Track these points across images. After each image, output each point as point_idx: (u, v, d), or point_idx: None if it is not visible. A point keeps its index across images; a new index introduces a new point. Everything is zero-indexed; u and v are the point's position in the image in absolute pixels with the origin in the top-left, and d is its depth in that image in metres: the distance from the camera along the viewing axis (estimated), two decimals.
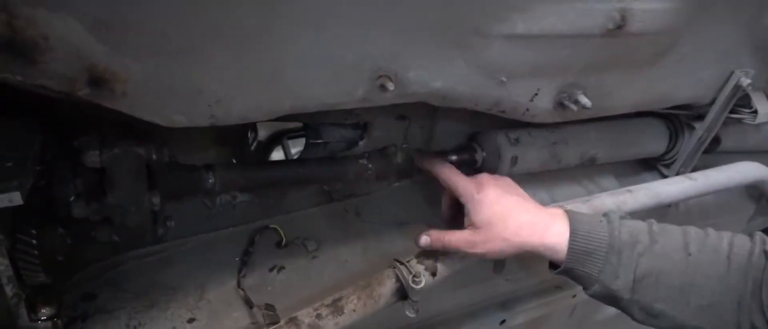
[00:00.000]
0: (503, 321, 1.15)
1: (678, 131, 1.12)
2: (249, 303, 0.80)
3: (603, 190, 1.10)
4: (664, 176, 1.18)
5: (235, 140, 0.92)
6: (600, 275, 0.70)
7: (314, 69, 0.61)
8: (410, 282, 0.80)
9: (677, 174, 1.14)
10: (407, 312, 0.85)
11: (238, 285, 0.84)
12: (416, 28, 0.63)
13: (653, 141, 1.12)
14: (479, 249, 0.76)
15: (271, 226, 0.91)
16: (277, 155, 1.18)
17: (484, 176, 0.80)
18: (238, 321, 0.80)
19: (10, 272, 0.59)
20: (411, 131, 0.98)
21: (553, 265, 0.76)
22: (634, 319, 0.72)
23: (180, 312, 0.80)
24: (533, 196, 1.04)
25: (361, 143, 0.97)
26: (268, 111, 0.62)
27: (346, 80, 0.64)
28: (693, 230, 0.71)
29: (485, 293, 1.08)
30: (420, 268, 0.81)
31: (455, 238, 0.78)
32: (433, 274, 0.82)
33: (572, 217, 0.73)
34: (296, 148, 1.21)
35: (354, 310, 0.79)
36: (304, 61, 0.60)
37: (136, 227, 0.70)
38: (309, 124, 0.94)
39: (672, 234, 0.71)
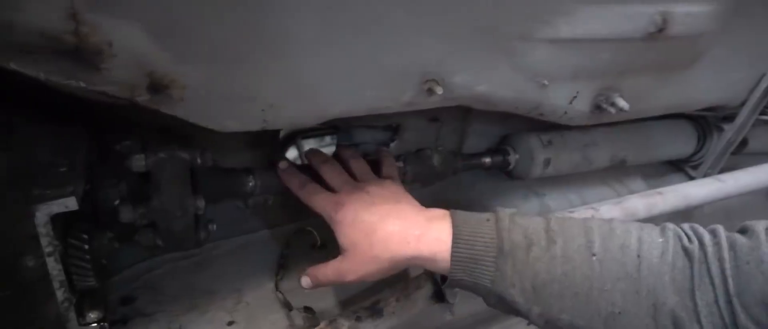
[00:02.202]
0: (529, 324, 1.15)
1: (706, 133, 1.12)
2: (288, 306, 0.80)
3: (631, 192, 1.11)
4: (691, 178, 1.18)
5: (268, 143, 0.92)
6: (493, 285, 0.60)
7: (365, 75, 0.61)
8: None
9: (704, 176, 1.14)
10: (443, 315, 0.86)
11: (276, 287, 0.84)
12: (463, 34, 0.63)
13: (682, 143, 1.12)
14: (351, 277, 0.67)
15: (307, 228, 0.91)
16: (291, 154, 1.18)
17: (344, 191, 0.71)
18: (276, 324, 0.81)
19: (63, 277, 0.60)
20: (443, 133, 0.98)
21: (444, 278, 0.67)
22: None
23: (219, 314, 0.80)
24: (563, 198, 1.05)
25: (392, 145, 0.97)
26: (317, 116, 0.62)
27: (395, 85, 0.64)
28: (597, 226, 0.61)
29: None
30: None
31: (325, 271, 0.69)
32: None
33: (454, 219, 0.63)
34: (309, 145, 1.20)
35: (393, 313, 0.80)
36: (355, 68, 0.60)
37: (181, 231, 0.70)
38: (339, 126, 0.94)
39: (573, 232, 0.60)
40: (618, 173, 1.13)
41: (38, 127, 0.61)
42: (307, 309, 0.80)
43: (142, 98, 0.53)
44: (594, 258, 0.58)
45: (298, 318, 0.80)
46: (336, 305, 0.85)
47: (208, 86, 0.55)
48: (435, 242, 0.62)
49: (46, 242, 0.57)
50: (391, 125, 0.96)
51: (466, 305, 1.00)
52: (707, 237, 0.57)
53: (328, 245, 0.93)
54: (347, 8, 0.55)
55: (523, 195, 1.03)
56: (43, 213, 0.55)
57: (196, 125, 0.59)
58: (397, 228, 0.64)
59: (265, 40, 0.54)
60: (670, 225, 0.60)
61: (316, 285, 0.72)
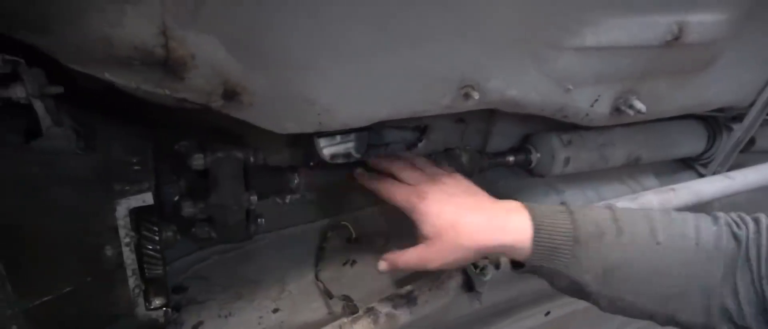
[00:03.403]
0: (548, 313, 1.21)
1: (716, 132, 1.18)
2: (329, 294, 0.86)
3: (644, 188, 1.16)
4: (701, 175, 1.23)
5: (305, 143, 0.98)
6: (567, 270, 0.66)
7: (410, 80, 0.67)
8: (478, 275, 0.86)
9: (714, 173, 1.20)
10: (472, 303, 0.91)
11: (316, 277, 0.90)
12: (499, 43, 0.69)
13: (693, 142, 1.17)
14: (435, 264, 0.71)
15: (342, 223, 0.97)
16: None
17: (423, 184, 0.75)
18: (317, 311, 0.86)
19: (135, 265, 0.65)
20: (468, 133, 1.04)
21: (515, 264, 0.73)
22: (601, 310, 0.70)
23: (265, 302, 0.86)
24: (582, 194, 1.11)
25: (420, 144, 1.03)
26: (367, 118, 0.68)
27: (436, 90, 0.70)
28: (658, 216, 0.68)
29: (533, 285, 1.14)
30: (485, 261, 0.87)
31: (407, 257, 0.74)
32: (497, 267, 0.88)
33: (533, 211, 0.69)
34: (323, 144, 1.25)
35: (426, 301, 0.86)
36: (402, 74, 0.65)
37: (235, 224, 0.76)
38: (370, 127, 1.00)
39: (637, 222, 0.67)
40: (632, 170, 1.19)
41: (112, 128, 0.67)
42: (346, 298, 0.86)
43: (217, 103, 0.59)
44: (658, 246, 0.65)
45: (338, 306, 0.86)
46: (372, 294, 0.90)
47: (273, 92, 0.60)
48: (516, 232, 0.67)
49: (124, 233, 0.63)
50: (419, 126, 1.01)
51: (492, 294, 1.06)
52: (752, 224, 0.66)
53: (361, 239, 0.99)
54: (398, 20, 0.61)
55: (543, 192, 1.08)
56: (123, 207, 0.61)
57: (249, 126, 0.65)
58: (481, 219, 0.69)
59: (324, 49, 0.59)
60: (720, 214, 0.68)
61: (394, 269, 0.78)
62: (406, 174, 0.79)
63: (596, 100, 0.85)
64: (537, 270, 0.69)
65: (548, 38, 0.73)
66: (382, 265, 0.78)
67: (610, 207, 0.70)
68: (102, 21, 0.50)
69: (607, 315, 1.47)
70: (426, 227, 0.71)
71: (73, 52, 0.53)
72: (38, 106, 0.56)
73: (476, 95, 0.70)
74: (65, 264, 0.60)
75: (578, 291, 0.68)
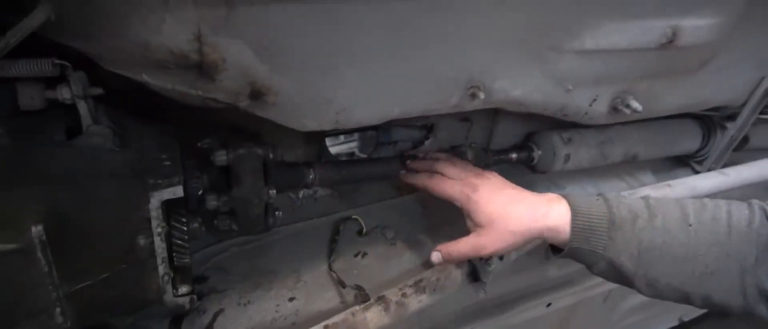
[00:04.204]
0: (549, 304, 1.26)
1: (711, 131, 1.22)
2: (342, 284, 0.91)
3: (642, 184, 1.21)
4: (696, 172, 1.28)
5: (318, 141, 1.03)
6: (605, 252, 0.71)
7: (421, 81, 0.71)
8: (483, 266, 0.91)
9: (709, 170, 1.24)
10: (477, 293, 0.96)
11: (330, 268, 0.94)
12: (505, 46, 0.74)
13: (688, 140, 1.22)
14: (489, 249, 0.77)
15: (353, 217, 1.02)
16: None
17: (472, 177, 0.82)
18: (330, 301, 0.91)
19: (165, 254, 0.70)
20: (472, 132, 1.08)
21: (555, 249, 0.78)
22: (641, 293, 0.73)
23: (282, 292, 0.90)
24: (582, 189, 1.16)
25: (426, 142, 1.08)
26: (381, 116, 0.73)
27: (445, 90, 0.74)
28: (690, 202, 0.72)
29: (535, 278, 1.19)
30: None
31: (462, 246, 0.79)
32: (501, 257, 0.93)
33: (571, 199, 0.74)
34: (329, 143, 1.30)
35: (434, 290, 0.91)
36: (414, 75, 0.70)
37: (255, 217, 0.81)
38: (379, 125, 1.05)
39: (670, 207, 0.72)
40: (630, 167, 1.24)
41: (142, 126, 0.72)
42: (358, 287, 0.91)
43: (244, 103, 0.64)
44: (690, 228, 0.69)
45: (350, 295, 0.91)
46: (383, 283, 0.95)
47: (295, 93, 0.65)
48: (558, 218, 0.73)
49: (156, 224, 0.67)
50: (426, 124, 1.06)
51: (496, 286, 1.11)
52: None
53: (371, 233, 1.04)
54: (412, 25, 0.65)
55: (545, 187, 1.13)
56: (156, 200, 0.66)
57: (266, 124, 0.70)
58: (526, 208, 0.76)
59: (343, 53, 0.64)
60: (755, 200, 0.71)
61: (448, 260, 0.83)
62: (453, 171, 0.86)
63: (595, 99, 0.90)
64: (576, 252, 0.73)
65: (551, 41, 0.77)
66: (436, 257, 0.83)
67: (644, 197, 0.75)
68: (142, 28, 0.54)
69: (607, 307, 1.53)
70: (479, 216, 0.77)
71: (115, 56, 0.58)
72: (81, 106, 0.60)
73: (482, 95, 0.75)
74: (103, 252, 0.65)
75: (617, 274, 0.72)
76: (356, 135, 1.09)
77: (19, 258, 0.58)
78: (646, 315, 1.77)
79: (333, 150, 1.21)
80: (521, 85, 0.80)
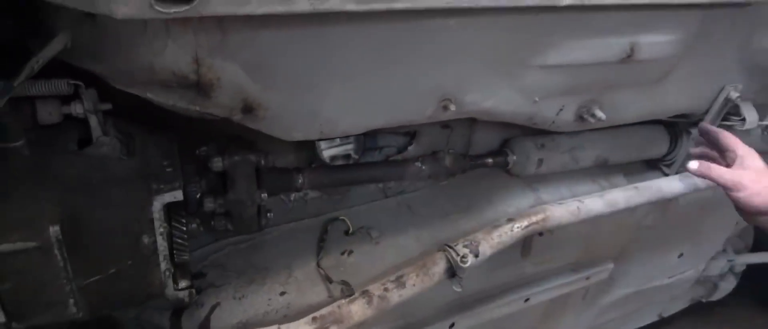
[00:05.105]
0: (527, 300, 1.34)
1: (678, 136, 1.30)
2: (329, 280, 0.99)
3: (614, 186, 1.28)
4: (666, 175, 1.36)
5: (309, 147, 1.11)
6: None
7: (398, 96, 0.79)
8: (459, 262, 0.99)
9: (677, 173, 1.32)
10: (454, 287, 1.04)
11: (318, 265, 1.02)
12: (475, 63, 0.82)
13: (656, 145, 1.30)
14: (745, 192, 0.83)
15: (340, 218, 1.10)
16: None
17: (744, 147, 0.90)
18: (319, 294, 0.99)
19: (167, 251, 0.78)
20: (452, 138, 1.16)
21: None
22: None
23: (274, 287, 0.98)
24: (556, 192, 1.23)
25: (410, 148, 1.15)
26: (362, 126, 0.81)
27: (420, 103, 0.82)
28: None
29: (513, 274, 1.27)
30: (465, 250, 1.00)
31: (724, 172, 0.87)
32: (476, 255, 1.01)
33: None
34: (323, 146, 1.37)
35: (414, 285, 0.98)
36: (391, 90, 0.78)
37: (249, 218, 0.89)
38: (367, 132, 1.12)
39: None
40: (603, 170, 1.31)
41: (145, 136, 0.80)
42: (344, 282, 0.99)
43: (237, 116, 0.71)
44: None
45: (337, 290, 0.99)
46: (367, 279, 1.03)
47: (284, 107, 0.73)
48: None
49: (159, 224, 0.75)
50: (409, 131, 1.14)
51: (473, 281, 1.19)
52: None
53: (356, 233, 1.11)
54: (388, 46, 0.73)
55: (520, 190, 1.21)
56: (158, 202, 0.74)
57: (260, 134, 0.77)
58: None
59: (326, 71, 0.72)
60: None
61: (704, 174, 0.88)
62: (734, 140, 0.93)
63: (561, 109, 0.98)
64: None
65: (517, 58, 0.85)
66: (693, 165, 0.89)
67: None
68: (147, 52, 0.62)
69: (587, 303, 1.60)
70: (755, 163, 0.85)
71: (123, 76, 0.66)
72: (92, 120, 0.68)
73: (453, 107, 0.83)
74: (111, 250, 0.73)
75: None
76: (352, 138, 1.16)
77: (38, 255, 0.66)
78: (626, 311, 1.84)
79: (328, 153, 1.29)
80: (491, 97, 0.88)
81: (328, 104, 0.75)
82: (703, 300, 2.12)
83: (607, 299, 1.67)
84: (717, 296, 2.10)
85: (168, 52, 0.62)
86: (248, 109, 0.71)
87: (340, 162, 1.09)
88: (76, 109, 0.67)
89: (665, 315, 2.05)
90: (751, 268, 2.08)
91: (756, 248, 2.12)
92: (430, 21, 0.72)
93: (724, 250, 1.95)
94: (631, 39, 0.91)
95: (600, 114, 1.00)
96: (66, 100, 0.67)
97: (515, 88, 0.89)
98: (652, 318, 2.02)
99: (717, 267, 1.94)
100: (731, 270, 2.04)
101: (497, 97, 0.88)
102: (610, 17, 0.87)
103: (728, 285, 2.09)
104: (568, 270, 1.38)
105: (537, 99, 0.92)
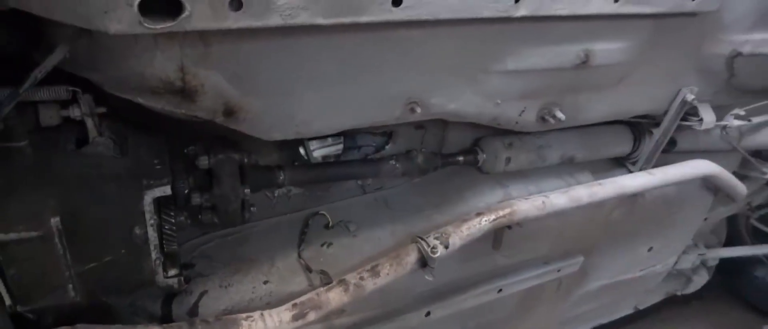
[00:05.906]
0: (500, 290, 1.41)
1: (641, 136, 1.38)
2: (309, 269, 1.06)
3: (580, 183, 1.36)
4: (630, 172, 1.44)
5: (292, 146, 1.18)
6: None
7: (367, 99, 0.87)
8: (429, 253, 1.07)
9: (640, 170, 1.40)
10: (426, 276, 1.12)
11: (299, 256, 1.10)
12: (438, 69, 0.90)
13: (620, 144, 1.38)
14: None
15: (321, 212, 1.17)
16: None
17: None
18: (300, 284, 1.07)
19: (157, 242, 0.86)
20: (427, 138, 1.24)
21: None
22: None
23: (258, 276, 1.06)
24: (523, 188, 1.31)
25: (387, 147, 1.23)
26: (336, 127, 0.89)
27: (389, 106, 0.90)
28: None
29: (486, 266, 1.35)
30: (436, 242, 1.08)
31: None
32: (446, 246, 1.08)
33: None
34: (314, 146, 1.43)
35: (387, 274, 1.06)
36: (361, 94, 0.86)
37: (233, 212, 0.97)
38: (347, 133, 1.20)
39: None
40: (570, 168, 1.39)
41: (139, 136, 0.87)
42: (323, 272, 1.07)
43: (219, 119, 0.79)
44: None
45: (316, 279, 1.07)
46: (344, 269, 1.10)
47: (263, 110, 0.81)
48: None
49: (149, 217, 0.83)
50: (386, 132, 1.22)
51: (446, 271, 1.26)
52: None
53: (335, 227, 1.19)
54: (357, 55, 0.81)
55: (490, 186, 1.28)
56: (149, 197, 0.82)
57: (243, 134, 0.85)
58: None
59: (301, 78, 0.80)
60: None
61: None
62: None
63: (523, 111, 1.06)
64: None
65: (478, 65, 0.93)
66: None
67: None
68: (138, 63, 0.70)
69: (562, 294, 1.68)
70: None
71: (116, 83, 0.73)
72: (89, 122, 0.76)
73: (419, 110, 0.91)
74: (106, 240, 0.80)
75: None
76: (341, 138, 1.22)
77: (40, 244, 0.73)
78: (602, 303, 1.92)
79: (319, 153, 1.36)
80: (455, 100, 0.96)
81: (303, 107, 0.83)
82: (678, 293, 2.21)
83: (581, 291, 1.75)
84: (691, 289, 2.19)
85: (156, 62, 0.70)
86: (230, 112, 0.78)
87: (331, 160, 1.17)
88: (74, 112, 0.75)
89: (641, 307, 2.13)
90: (725, 262, 2.17)
91: (729, 243, 2.22)
92: (394, 32, 0.80)
93: (696, 244, 2.04)
94: (585, 46, 0.99)
95: (560, 115, 1.08)
96: (65, 104, 0.75)
97: (477, 91, 0.97)
98: (628, 310, 2.10)
99: (688, 261, 2.02)
100: (703, 263, 2.13)
101: (461, 100, 0.96)
102: (564, 26, 0.95)
103: (701, 279, 2.18)
104: (540, 263, 1.46)
105: (499, 101, 1.00)
